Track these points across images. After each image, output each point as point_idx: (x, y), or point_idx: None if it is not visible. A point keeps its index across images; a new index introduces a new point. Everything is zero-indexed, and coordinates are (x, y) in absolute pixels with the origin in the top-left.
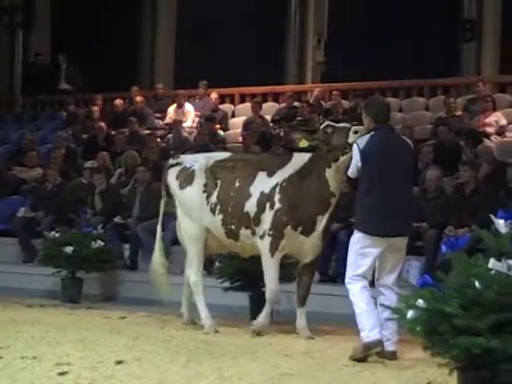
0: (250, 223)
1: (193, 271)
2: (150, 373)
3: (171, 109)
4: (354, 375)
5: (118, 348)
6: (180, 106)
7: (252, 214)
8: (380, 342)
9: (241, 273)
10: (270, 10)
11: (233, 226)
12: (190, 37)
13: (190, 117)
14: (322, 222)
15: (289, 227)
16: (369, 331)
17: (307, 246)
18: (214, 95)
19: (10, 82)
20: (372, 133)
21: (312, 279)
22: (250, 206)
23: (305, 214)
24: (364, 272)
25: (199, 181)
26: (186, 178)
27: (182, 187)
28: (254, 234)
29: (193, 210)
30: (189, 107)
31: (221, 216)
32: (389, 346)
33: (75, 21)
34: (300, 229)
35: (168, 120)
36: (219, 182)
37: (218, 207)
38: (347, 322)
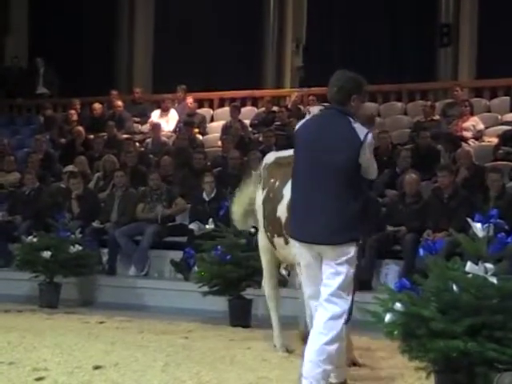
0: (281, 230)
1: (265, 284)
2: (128, 378)
3: (155, 113)
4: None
5: (96, 353)
6: (166, 110)
7: (283, 220)
8: None
9: (219, 277)
10: (248, 15)
11: (269, 233)
12: (169, 41)
13: (173, 121)
14: None
15: None
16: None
17: None
18: (190, 99)
19: None
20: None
21: None
22: (281, 210)
23: None
24: (306, 284)
25: (262, 181)
26: (257, 177)
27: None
28: (287, 243)
29: (257, 213)
30: (173, 112)
31: (264, 220)
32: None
33: (52, 25)
34: None
35: None
36: (271, 181)
37: (262, 210)
38: None
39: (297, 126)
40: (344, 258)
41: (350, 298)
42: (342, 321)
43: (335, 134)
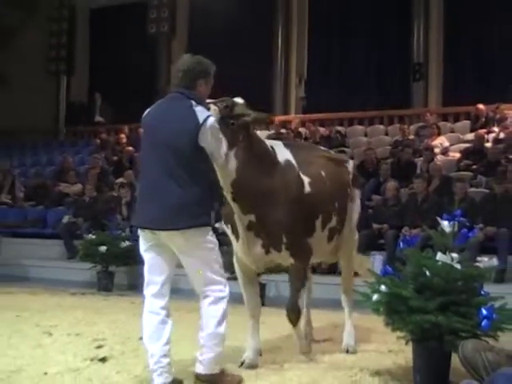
0: None
1: None
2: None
3: None
4: (331, 346)
5: (141, 327)
6: None
7: None
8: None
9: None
10: (260, 55)
11: None
12: None
13: None
14: (240, 222)
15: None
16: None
17: (241, 253)
18: None
19: (56, 116)
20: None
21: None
22: None
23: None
24: (146, 277)
25: None
26: None
27: None
28: None
29: None
30: None
31: None
32: (197, 366)
33: (107, 68)
34: (230, 227)
35: None
36: None
37: None
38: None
39: (144, 113)
40: (199, 246)
41: (224, 279)
42: (225, 301)
43: (175, 117)
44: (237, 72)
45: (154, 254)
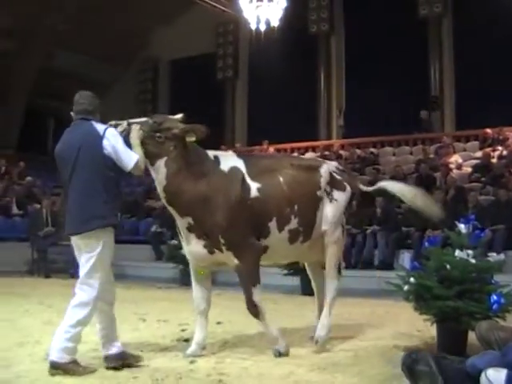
0: None
1: None
2: (236, 329)
3: None
4: (368, 328)
5: (216, 314)
6: None
7: None
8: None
9: (293, 263)
10: (308, 93)
11: None
12: (257, 111)
13: None
14: (180, 224)
15: None
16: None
17: (186, 253)
18: (271, 149)
19: None
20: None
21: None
22: None
23: None
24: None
25: None
26: None
27: None
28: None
29: None
30: None
31: None
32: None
33: (183, 106)
34: (178, 229)
35: None
36: None
37: None
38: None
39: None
40: (90, 248)
41: (97, 285)
42: (88, 309)
43: (80, 137)
44: (289, 106)
45: (76, 252)
